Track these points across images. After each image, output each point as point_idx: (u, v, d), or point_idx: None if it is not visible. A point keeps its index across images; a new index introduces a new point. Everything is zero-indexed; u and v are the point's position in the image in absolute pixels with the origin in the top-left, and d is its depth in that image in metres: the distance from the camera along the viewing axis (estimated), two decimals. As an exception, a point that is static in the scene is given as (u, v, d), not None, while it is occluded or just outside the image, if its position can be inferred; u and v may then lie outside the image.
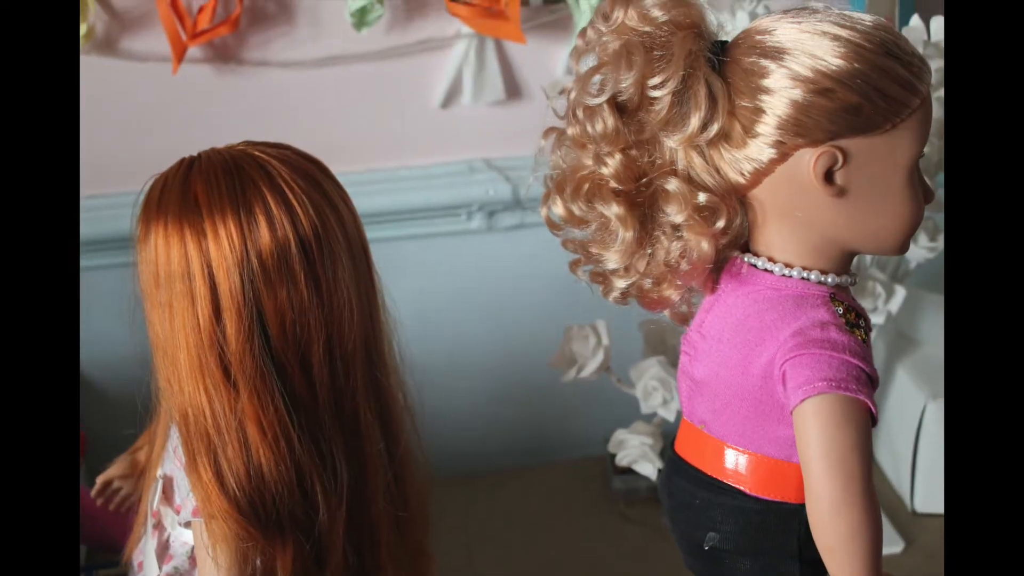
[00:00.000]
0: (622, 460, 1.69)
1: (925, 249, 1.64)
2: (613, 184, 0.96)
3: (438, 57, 1.77)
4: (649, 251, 0.98)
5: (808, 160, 0.93)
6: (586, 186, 0.97)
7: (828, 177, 0.93)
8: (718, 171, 0.96)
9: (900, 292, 1.67)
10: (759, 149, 0.94)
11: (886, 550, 1.71)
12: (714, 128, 0.94)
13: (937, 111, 1.52)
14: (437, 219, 1.85)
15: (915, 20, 1.63)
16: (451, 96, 1.79)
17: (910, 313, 1.87)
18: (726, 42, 0.97)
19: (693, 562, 1.08)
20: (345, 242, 1.10)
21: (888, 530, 1.78)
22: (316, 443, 1.10)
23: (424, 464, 1.24)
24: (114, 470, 1.36)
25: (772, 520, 1.00)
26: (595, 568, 1.78)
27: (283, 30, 1.72)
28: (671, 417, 1.63)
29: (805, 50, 0.92)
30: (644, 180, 0.96)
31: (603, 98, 0.94)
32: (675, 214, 0.95)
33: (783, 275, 0.98)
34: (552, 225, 1.03)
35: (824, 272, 0.98)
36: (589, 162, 0.97)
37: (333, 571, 1.14)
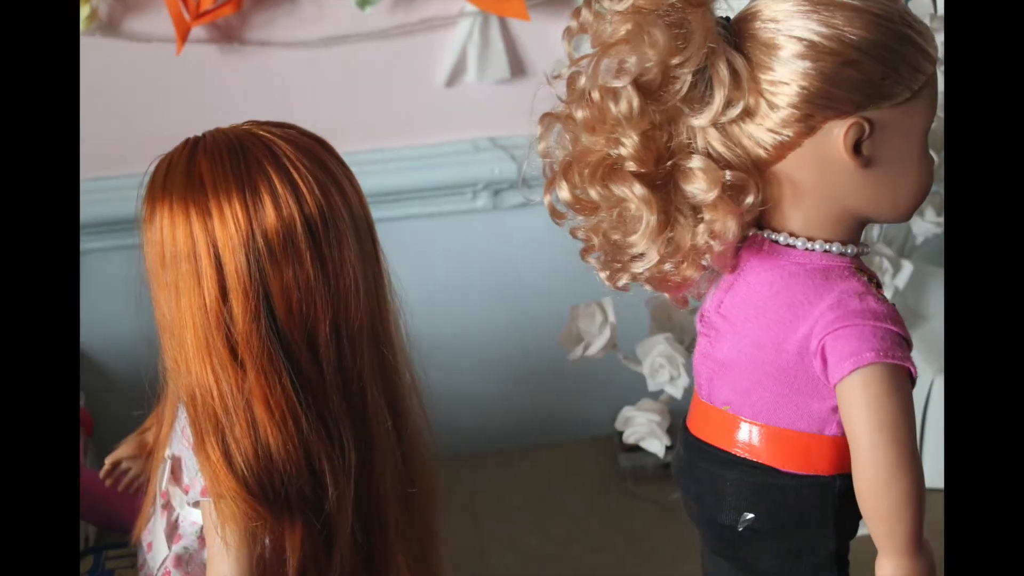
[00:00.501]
0: (629, 438, 1.69)
1: (932, 224, 1.63)
2: (632, 166, 0.94)
3: (442, 35, 1.76)
4: (670, 234, 0.96)
5: (837, 132, 0.93)
6: (601, 170, 0.96)
7: (855, 148, 0.93)
8: (740, 147, 0.95)
9: (907, 267, 1.67)
10: (785, 123, 0.93)
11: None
12: (740, 105, 0.93)
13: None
14: (442, 198, 1.84)
15: (922, -6, 1.62)
16: (456, 75, 1.78)
17: (917, 288, 1.86)
18: (729, 18, 0.97)
19: (721, 546, 1.07)
20: (351, 221, 1.10)
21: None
22: (324, 422, 1.10)
23: (431, 443, 1.24)
24: (122, 451, 1.36)
25: (808, 495, 0.99)
26: (603, 546, 1.78)
27: (286, 10, 1.71)
28: (678, 394, 1.63)
29: (825, 22, 0.92)
30: (668, 161, 0.95)
31: (628, 79, 0.92)
32: (704, 193, 0.94)
33: (806, 249, 0.98)
34: (555, 213, 1.02)
35: (844, 243, 0.98)
36: (601, 145, 0.95)
37: (341, 550, 1.14)
